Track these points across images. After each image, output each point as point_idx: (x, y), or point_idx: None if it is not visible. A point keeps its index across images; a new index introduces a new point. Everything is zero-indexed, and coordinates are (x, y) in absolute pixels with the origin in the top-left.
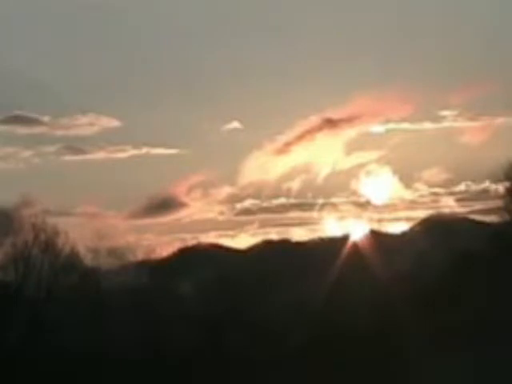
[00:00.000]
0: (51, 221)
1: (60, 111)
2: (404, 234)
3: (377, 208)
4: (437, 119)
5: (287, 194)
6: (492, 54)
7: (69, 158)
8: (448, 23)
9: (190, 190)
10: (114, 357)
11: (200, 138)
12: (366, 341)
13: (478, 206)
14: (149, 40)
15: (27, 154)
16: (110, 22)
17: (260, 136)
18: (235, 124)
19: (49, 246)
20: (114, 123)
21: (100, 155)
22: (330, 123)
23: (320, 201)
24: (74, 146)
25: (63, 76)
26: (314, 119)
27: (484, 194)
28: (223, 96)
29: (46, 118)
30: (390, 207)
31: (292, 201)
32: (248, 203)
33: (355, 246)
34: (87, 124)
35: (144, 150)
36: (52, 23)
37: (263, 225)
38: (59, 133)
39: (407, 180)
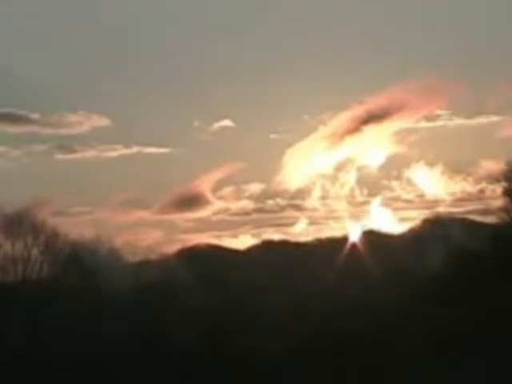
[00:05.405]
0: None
1: (49, 109)
2: (403, 235)
3: (375, 208)
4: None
5: (285, 195)
6: None
7: (59, 157)
8: None
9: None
10: (114, 356)
11: (191, 136)
12: (365, 340)
13: (477, 206)
14: (139, 38)
15: (17, 153)
16: (100, 19)
17: (252, 134)
18: (227, 122)
19: (48, 245)
20: (105, 122)
21: (90, 154)
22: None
23: (319, 201)
24: (65, 144)
25: (52, 73)
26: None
27: (483, 195)
28: (214, 94)
29: (35, 116)
30: (387, 207)
31: (291, 201)
32: (247, 203)
33: (354, 246)
34: (77, 122)
35: (135, 149)
36: (41, 21)
37: (262, 225)
38: (49, 131)
39: (405, 180)
